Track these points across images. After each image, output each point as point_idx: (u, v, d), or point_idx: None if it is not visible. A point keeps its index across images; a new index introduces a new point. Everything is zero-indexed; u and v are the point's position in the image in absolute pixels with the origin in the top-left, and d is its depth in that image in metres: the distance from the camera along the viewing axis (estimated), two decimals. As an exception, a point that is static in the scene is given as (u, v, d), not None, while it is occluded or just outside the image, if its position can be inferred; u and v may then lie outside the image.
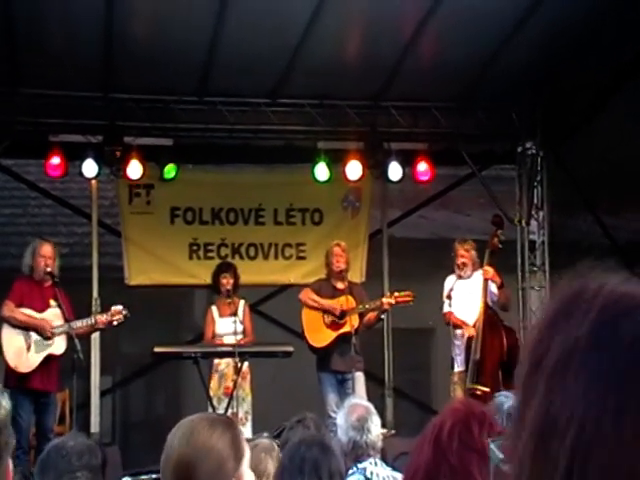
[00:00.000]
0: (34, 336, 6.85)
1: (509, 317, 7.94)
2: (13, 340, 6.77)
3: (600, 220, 9.23)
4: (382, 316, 7.92)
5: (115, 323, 7.09)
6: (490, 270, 7.45)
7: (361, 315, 7.64)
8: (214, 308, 7.86)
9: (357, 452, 3.89)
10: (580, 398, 0.75)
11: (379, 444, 3.96)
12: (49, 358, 6.84)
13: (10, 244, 8.14)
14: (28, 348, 6.80)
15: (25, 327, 6.81)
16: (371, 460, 3.89)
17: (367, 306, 7.64)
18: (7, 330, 6.78)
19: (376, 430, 3.95)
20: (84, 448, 2.65)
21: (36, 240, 7.19)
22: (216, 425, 1.97)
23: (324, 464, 3.03)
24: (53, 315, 6.91)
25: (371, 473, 3.86)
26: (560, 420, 0.76)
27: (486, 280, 7.45)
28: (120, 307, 7.11)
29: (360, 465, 3.89)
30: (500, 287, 7.51)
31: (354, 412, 3.98)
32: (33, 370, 6.75)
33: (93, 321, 7.06)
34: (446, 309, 7.63)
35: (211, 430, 1.95)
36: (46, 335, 6.81)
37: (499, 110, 8.75)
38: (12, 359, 6.72)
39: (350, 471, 3.89)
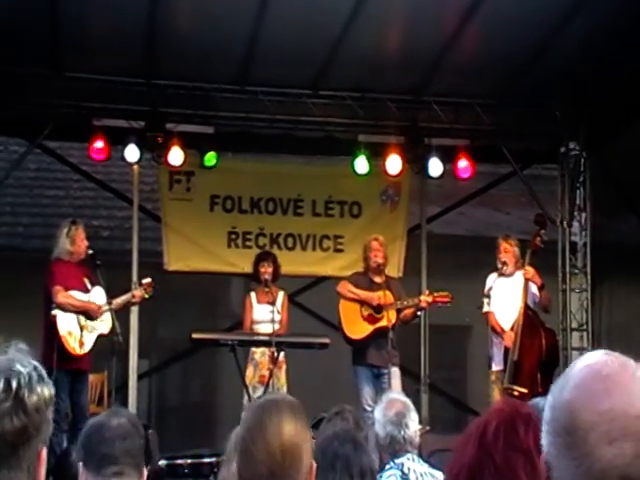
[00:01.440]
0: (82, 318, 6.96)
1: (550, 319, 7.87)
2: (68, 324, 6.87)
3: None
4: (419, 313, 7.89)
5: (147, 296, 7.34)
6: (531, 270, 7.37)
7: (398, 311, 7.63)
8: (253, 294, 7.91)
9: (394, 447, 3.88)
10: None
11: (417, 440, 3.95)
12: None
13: (52, 225, 8.23)
14: (81, 330, 6.91)
15: (78, 311, 6.92)
16: (408, 456, 3.89)
17: (405, 302, 7.62)
18: (60, 313, 6.87)
19: (414, 426, 3.94)
20: (128, 430, 2.63)
21: (70, 225, 7.16)
22: (299, 408, 2.05)
23: (356, 461, 3.03)
24: (98, 294, 7.03)
25: (408, 469, 3.86)
26: None
27: (527, 280, 7.38)
28: (149, 280, 7.40)
29: (397, 460, 3.89)
30: (540, 288, 7.43)
31: (392, 407, 3.98)
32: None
33: (130, 296, 7.23)
34: (486, 309, 7.55)
35: (302, 413, 2.04)
36: (95, 317, 6.94)
37: (542, 108, 8.67)
38: (69, 342, 6.81)
39: (387, 466, 3.90)
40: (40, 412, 1.49)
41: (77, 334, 6.90)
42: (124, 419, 2.63)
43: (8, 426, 1.47)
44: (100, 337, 7.00)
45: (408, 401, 4.07)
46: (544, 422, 1.13)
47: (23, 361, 1.53)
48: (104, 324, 7.00)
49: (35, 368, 1.52)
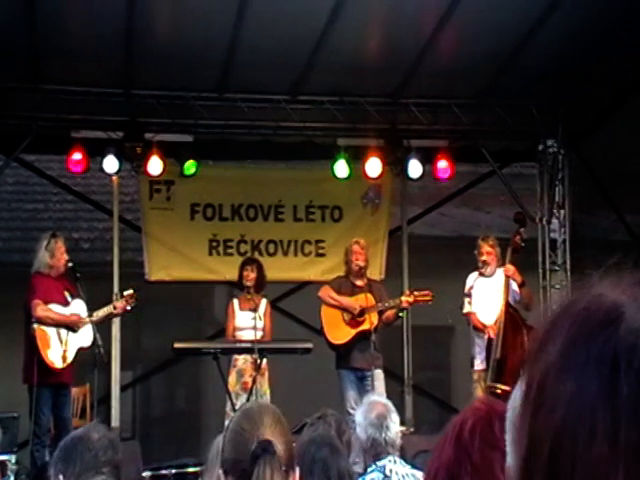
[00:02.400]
0: (63, 331, 6.92)
1: (530, 315, 7.89)
2: (48, 338, 6.83)
3: (622, 218, 9.17)
4: (401, 314, 7.91)
5: (129, 308, 7.30)
6: (511, 268, 7.41)
7: (380, 313, 7.64)
8: (235, 301, 7.90)
9: (376, 449, 3.89)
10: (556, 424, 0.75)
11: (398, 442, 3.96)
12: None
13: (32, 239, 8.19)
14: (61, 343, 6.86)
15: (57, 325, 6.88)
16: (390, 458, 3.89)
17: (386, 304, 7.64)
18: (40, 328, 6.83)
19: (395, 428, 3.95)
20: (108, 443, 2.65)
21: (50, 238, 7.13)
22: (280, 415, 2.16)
23: (333, 465, 3.04)
24: (78, 307, 6.99)
25: (390, 471, 3.86)
26: (539, 445, 0.76)
27: (507, 278, 7.42)
28: (131, 291, 7.35)
29: (379, 463, 3.89)
30: (521, 285, 7.47)
31: (373, 409, 3.98)
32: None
33: (112, 308, 7.18)
34: (466, 309, 7.59)
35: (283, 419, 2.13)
36: (77, 328, 6.89)
37: (520, 107, 8.71)
38: (50, 356, 6.77)
39: (369, 468, 3.90)
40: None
41: (58, 348, 6.85)
42: (104, 432, 2.65)
43: None
44: (81, 350, 6.96)
45: (389, 403, 4.08)
46: (507, 431, 1.18)
47: None
48: (85, 337, 6.96)
49: None
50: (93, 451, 2.60)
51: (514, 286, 7.47)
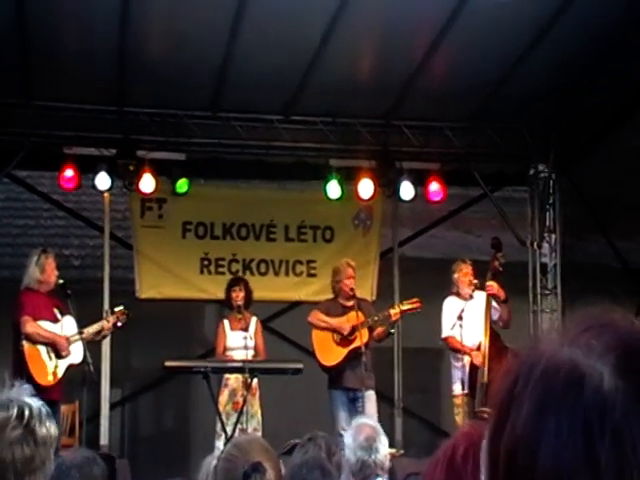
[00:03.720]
0: (52, 349, 6.89)
1: (520, 340, 7.89)
2: (35, 353, 6.79)
3: (612, 243, 9.21)
4: (392, 330, 7.88)
5: (119, 324, 7.26)
6: (494, 285, 7.44)
7: (370, 329, 7.63)
8: (226, 321, 7.88)
9: (365, 472, 3.89)
10: None
11: (387, 464, 3.97)
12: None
13: (22, 255, 8.16)
14: (50, 359, 6.83)
15: (46, 343, 6.84)
16: (379, 479, 3.89)
17: (376, 318, 7.63)
18: (28, 344, 6.79)
19: (384, 450, 3.95)
20: (84, 460, 2.68)
21: (40, 254, 7.12)
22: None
23: None
24: (68, 324, 6.96)
25: None
26: None
27: (489, 297, 7.43)
28: (122, 308, 7.33)
29: None
30: (504, 302, 7.48)
31: (362, 432, 3.99)
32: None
33: (101, 326, 7.13)
34: (450, 332, 7.55)
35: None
36: (64, 353, 6.84)
37: (511, 131, 8.76)
38: (38, 373, 6.73)
39: None
40: (47, 446, 1.50)
41: (47, 364, 6.82)
42: (78, 452, 2.68)
43: (19, 454, 1.48)
44: (71, 367, 6.92)
45: (378, 425, 4.09)
46: (482, 465, 1.18)
47: (32, 397, 1.55)
48: (75, 354, 6.92)
49: (43, 405, 1.54)
50: (67, 471, 2.63)
51: (495, 304, 7.48)
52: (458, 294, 7.61)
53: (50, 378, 6.78)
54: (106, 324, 7.23)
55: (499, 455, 0.75)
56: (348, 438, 4.01)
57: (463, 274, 7.59)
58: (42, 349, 6.83)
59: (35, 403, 1.52)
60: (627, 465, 0.70)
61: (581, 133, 8.67)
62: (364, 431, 4.00)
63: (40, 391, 6.66)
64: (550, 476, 0.71)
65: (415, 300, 7.64)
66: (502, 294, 7.46)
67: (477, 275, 7.65)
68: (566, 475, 0.71)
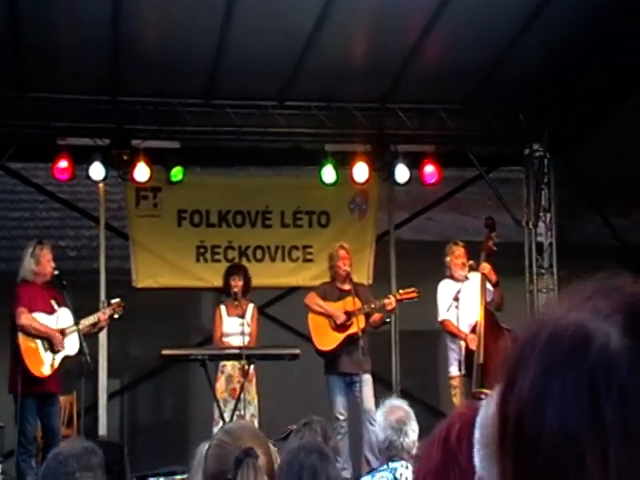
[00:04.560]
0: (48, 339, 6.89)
1: (517, 319, 7.91)
2: (31, 345, 6.79)
3: (608, 221, 9.21)
4: (387, 319, 7.91)
5: (116, 316, 7.23)
6: (487, 266, 7.45)
7: (367, 315, 7.64)
8: (222, 307, 7.88)
9: (391, 452, 3.91)
10: (542, 461, 0.72)
11: (414, 450, 3.95)
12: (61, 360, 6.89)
13: (18, 247, 8.15)
14: (45, 351, 6.82)
15: (40, 336, 6.83)
16: (403, 463, 3.91)
17: (372, 305, 7.64)
18: (23, 336, 6.79)
19: (413, 436, 3.95)
20: (82, 450, 2.68)
21: (35, 245, 7.11)
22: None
23: (322, 472, 3.03)
24: (64, 315, 6.94)
25: (400, 475, 3.88)
26: None
27: (483, 278, 7.44)
28: (118, 300, 7.29)
29: (392, 464, 3.92)
30: (495, 285, 7.50)
31: (394, 413, 4.00)
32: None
33: (97, 318, 7.12)
34: (446, 315, 7.56)
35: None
36: (57, 347, 6.83)
37: (506, 112, 8.74)
38: (32, 364, 6.73)
39: (381, 467, 3.93)
40: None
41: (42, 356, 6.81)
42: (78, 442, 2.68)
43: None
44: (67, 358, 6.92)
45: (410, 410, 4.08)
46: (474, 441, 1.18)
47: None
48: (71, 345, 6.92)
49: None
50: (64, 461, 2.64)
51: (488, 285, 7.50)
52: (452, 277, 7.62)
53: (46, 370, 6.78)
54: (102, 315, 7.20)
55: (507, 420, 0.76)
56: (379, 416, 4.02)
57: (455, 257, 7.59)
58: (38, 341, 6.83)
59: None
60: (633, 422, 0.71)
61: (574, 115, 8.66)
62: (396, 413, 4.00)
63: (36, 383, 6.72)
64: (557, 436, 0.72)
65: (412, 290, 7.64)
66: (493, 277, 7.46)
67: (473, 256, 7.66)
68: (573, 434, 0.71)
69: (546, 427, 0.72)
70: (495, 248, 7.60)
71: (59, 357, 6.88)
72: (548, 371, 0.74)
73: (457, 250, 7.61)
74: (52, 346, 6.83)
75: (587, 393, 0.72)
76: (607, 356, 0.72)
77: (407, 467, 3.90)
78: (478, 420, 1.10)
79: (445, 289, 7.61)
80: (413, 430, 3.98)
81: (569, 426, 0.72)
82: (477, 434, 1.12)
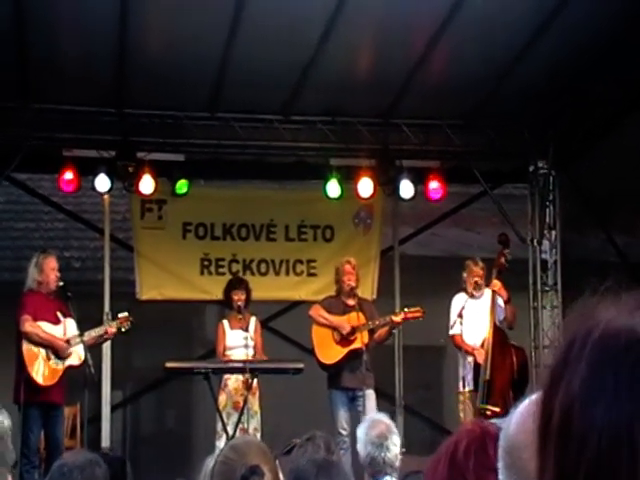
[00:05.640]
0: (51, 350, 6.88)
1: (521, 337, 7.90)
2: (34, 354, 6.78)
3: (612, 238, 9.21)
4: (394, 331, 7.91)
5: (123, 330, 7.22)
6: (498, 283, 7.46)
7: (371, 331, 7.63)
8: (225, 322, 7.88)
9: (374, 468, 3.89)
10: (590, 454, 0.73)
11: (397, 463, 3.94)
12: (63, 370, 6.88)
13: (23, 258, 8.16)
14: (49, 360, 6.82)
15: (44, 344, 6.82)
16: (387, 478, 3.88)
17: (377, 322, 7.63)
18: (27, 344, 6.79)
19: (395, 450, 3.93)
20: (85, 462, 2.67)
21: (39, 254, 7.16)
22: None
23: None
24: (69, 326, 6.95)
25: None
26: (569, 476, 0.75)
27: (494, 294, 7.45)
28: (126, 314, 7.28)
29: None
30: (506, 302, 7.51)
31: (375, 427, 3.98)
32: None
33: (104, 330, 7.12)
34: (456, 330, 7.59)
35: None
36: (63, 355, 6.83)
37: (511, 128, 8.75)
38: (35, 372, 6.72)
39: None
40: (3, 440, 1.50)
41: (45, 365, 6.80)
42: (82, 454, 2.67)
43: None
44: (71, 368, 6.91)
45: (391, 424, 4.07)
46: (499, 456, 1.21)
47: None
48: (74, 356, 6.91)
49: None
50: (68, 473, 2.63)
51: (500, 302, 7.50)
52: (466, 292, 7.64)
53: (49, 379, 6.76)
54: (109, 329, 7.19)
55: (552, 416, 0.77)
56: (360, 431, 4.01)
57: (472, 275, 7.61)
58: (42, 350, 6.82)
59: None
60: None
61: (579, 131, 8.67)
62: (378, 427, 3.99)
63: (39, 392, 6.71)
64: (609, 429, 0.73)
65: (418, 309, 7.64)
66: (504, 294, 7.46)
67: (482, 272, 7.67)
68: (625, 428, 0.73)
69: (597, 421, 0.73)
70: (507, 265, 7.60)
71: (63, 366, 6.86)
72: (601, 366, 0.75)
73: (474, 269, 7.60)
74: (57, 354, 6.82)
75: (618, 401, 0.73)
76: None
77: None
78: (501, 433, 1.11)
79: (456, 303, 7.62)
80: (394, 444, 3.97)
81: (621, 421, 0.73)
82: (500, 446, 1.14)
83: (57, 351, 6.83)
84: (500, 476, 1.18)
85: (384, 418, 4.16)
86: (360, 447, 3.93)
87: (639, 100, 8.07)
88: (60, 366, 6.84)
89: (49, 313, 6.95)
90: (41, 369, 6.77)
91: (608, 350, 0.76)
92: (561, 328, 0.83)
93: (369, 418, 4.13)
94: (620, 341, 0.76)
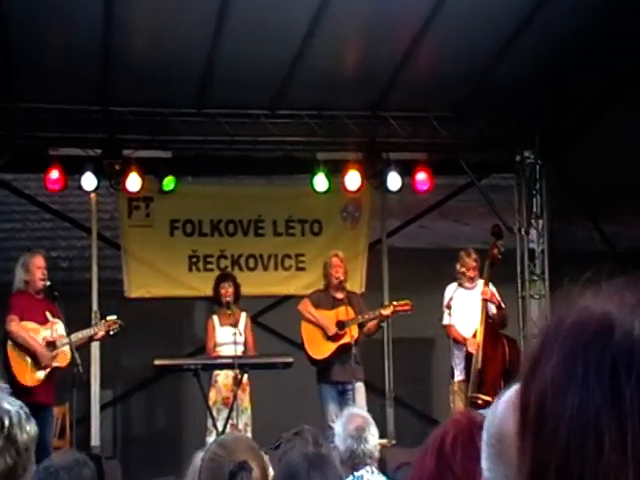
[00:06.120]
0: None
1: (510, 326, 7.91)
2: (19, 354, 6.75)
3: (599, 227, 9.24)
4: (382, 324, 7.92)
5: (111, 333, 7.16)
6: (488, 291, 7.47)
7: (360, 325, 7.64)
8: (215, 317, 7.87)
9: (354, 461, 3.93)
10: (561, 442, 0.74)
11: (376, 454, 3.99)
12: (51, 371, 6.83)
13: (10, 259, 8.14)
14: (34, 363, 6.78)
15: (27, 348, 6.79)
16: (367, 468, 3.92)
17: (366, 316, 7.65)
18: (11, 344, 6.76)
19: (373, 440, 3.98)
20: (72, 462, 2.66)
21: (26, 254, 7.16)
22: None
23: None
24: (56, 327, 6.91)
25: None
26: (544, 466, 0.75)
27: (486, 285, 7.48)
28: (115, 317, 7.23)
29: (357, 473, 3.94)
30: (499, 308, 7.51)
31: (352, 421, 4.02)
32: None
33: (92, 332, 7.09)
34: (446, 320, 7.62)
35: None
36: (44, 365, 6.77)
37: (498, 119, 8.76)
38: (19, 373, 6.69)
39: (347, 479, 3.93)
40: (28, 451, 1.47)
41: (30, 366, 6.76)
42: (69, 454, 2.66)
43: (1, 465, 1.44)
44: (57, 369, 6.86)
45: (368, 416, 4.12)
46: (482, 444, 1.19)
47: (8, 399, 1.50)
48: (61, 357, 6.86)
49: (21, 407, 1.50)
50: (54, 474, 2.62)
51: (492, 307, 7.50)
52: (459, 282, 7.65)
53: (33, 380, 6.72)
54: (97, 332, 7.14)
55: (529, 403, 0.78)
56: (339, 427, 4.05)
57: (465, 267, 7.61)
58: (25, 351, 6.78)
59: (13, 407, 1.48)
60: None
61: (565, 121, 8.69)
62: (355, 421, 4.03)
63: (24, 392, 6.67)
64: (577, 417, 0.74)
65: (406, 302, 7.66)
66: (496, 300, 7.48)
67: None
68: (592, 416, 0.73)
69: (567, 409, 0.74)
70: (500, 256, 7.61)
71: (47, 368, 6.81)
72: (572, 356, 0.76)
73: (466, 262, 7.61)
74: (37, 365, 6.77)
75: (609, 375, 0.74)
76: (630, 342, 0.74)
77: (372, 472, 3.92)
78: (485, 422, 1.11)
79: (446, 295, 7.63)
80: (373, 434, 4.01)
81: (590, 408, 0.73)
82: (484, 435, 1.13)
83: (40, 361, 6.77)
84: (484, 465, 1.18)
85: (360, 411, 4.21)
86: (339, 442, 3.98)
87: (621, 92, 8.10)
88: (45, 369, 6.80)
89: (37, 313, 6.92)
90: (26, 370, 6.73)
91: (578, 338, 0.76)
92: (544, 318, 0.84)
93: (346, 413, 4.18)
94: (590, 329, 0.76)
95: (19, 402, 1.50)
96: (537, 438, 0.76)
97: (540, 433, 0.75)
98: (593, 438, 0.72)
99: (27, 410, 1.51)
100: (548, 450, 0.75)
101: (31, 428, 1.50)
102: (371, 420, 4.07)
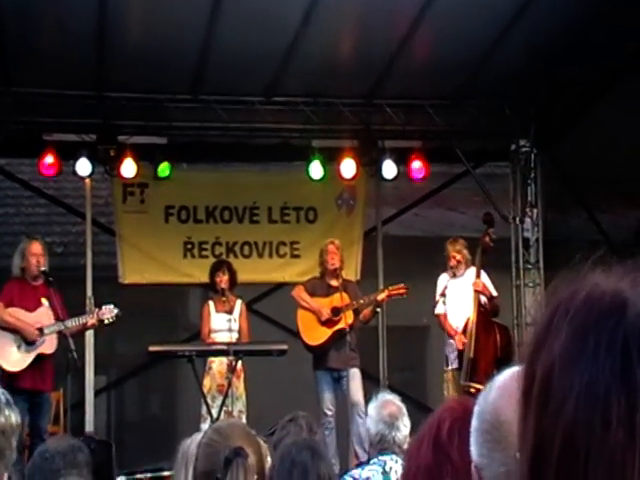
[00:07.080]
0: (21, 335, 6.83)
1: (504, 314, 7.94)
2: (2, 339, 6.74)
3: (594, 217, 9.26)
4: (378, 310, 7.93)
5: (106, 322, 7.11)
6: (480, 283, 7.47)
7: (356, 312, 7.65)
8: (211, 303, 7.87)
9: (383, 445, 3.95)
10: (567, 417, 0.73)
11: (405, 446, 3.97)
12: (41, 357, 6.81)
13: (4, 244, 8.13)
14: (19, 347, 6.77)
15: (11, 329, 6.77)
16: (393, 456, 3.93)
17: (361, 301, 7.66)
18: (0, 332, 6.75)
19: (405, 431, 3.98)
20: (68, 447, 2.67)
21: (24, 239, 7.16)
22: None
23: (313, 469, 3.03)
24: (44, 314, 6.88)
25: (390, 468, 3.91)
26: (549, 441, 0.75)
27: (478, 271, 7.49)
28: (112, 306, 7.16)
29: (381, 457, 3.96)
30: (490, 299, 7.52)
31: (386, 407, 4.04)
32: (24, 369, 6.71)
33: (85, 320, 7.05)
34: (440, 310, 7.65)
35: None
36: (31, 339, 6.76)
37: (493, 108, 8.75)
38: (2, 358, 6.68)
39: (371, 460, 3.98)
40: (6, 435, 1.47)
41: (13, 351, 6.74)
42: (64, 440, 2.67)
43: None
44: (43, 356, 6.80)
45: (403, 406, 4.12)
46: (472, 430, 1.18)
47: None
48: (47, 344, 6.84)
49: (3, 393, 1.50)
50: (50, 459, 2.63)
51: (483, 298, 7.52)
52: (448, 272, 7.68)
53: (17, 364, 6.71)
54: (89, 321, 7.10)
55: (533, 381, 0.77)
56: (372, 410, 4.06)
57: (451, 253, 7.63)
58: (9, 336, 6.77)
59: None
60: None
61: (560, 110, 8.69)
62: (389, 407, 4.04)
63: (23, 378, 6.63)
64: (585, 393, 0.73)
65: (401, 286, 7.67)
66: (488, 292, 7.49)
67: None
68: (602, 392, 0.73)
69: (575, 384, 0.74)
70: (492, 244, 7.63)
71: (32, 354, 6.78)
72: (582, 331, 0.75)
73: (452, 248, 7.64)
74: (25, 339, 6.76)
75: (620, 352, 0.73)
76: None
77: (397, 461, 3.92)
78: (476, 408, 1.10)
79: (440, 284, 7.66)
80: (405, 425, 4.01)
81: (599, 384, 0.73)
82: (475, 422, 1.13)
83: (25, 336, 6.76)
84: (475, 451, 1.17)
85: (395, 399, 4.20)
86: (370, 424, 3.99)
87: (612, 83, 8.10)
88: (31, 353, 6.78)
89: (28, 300, 6.89)
90: (10, 355, 6.71)
91: (591, 312, 0.75)
92: (545, 297, 0.83)
93: (380, 397, 4.17)
94: (602, 306, 0.75)
95: (0, 388, 1.50)
96: (542, 413, 0.75)
97: (545, 408, 0.75)
98: (601, 414, 0.72)
99: (9, 397, 1.51)
100: (553, 425, 0.74)
101: (10, 413, 1.49)
102: (405, 410, 4.06)
